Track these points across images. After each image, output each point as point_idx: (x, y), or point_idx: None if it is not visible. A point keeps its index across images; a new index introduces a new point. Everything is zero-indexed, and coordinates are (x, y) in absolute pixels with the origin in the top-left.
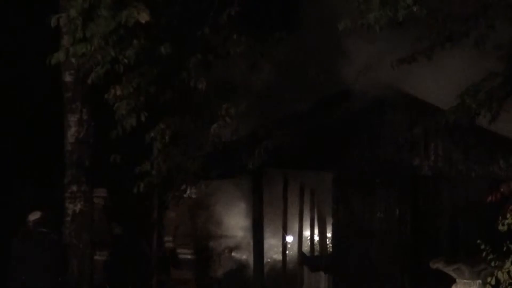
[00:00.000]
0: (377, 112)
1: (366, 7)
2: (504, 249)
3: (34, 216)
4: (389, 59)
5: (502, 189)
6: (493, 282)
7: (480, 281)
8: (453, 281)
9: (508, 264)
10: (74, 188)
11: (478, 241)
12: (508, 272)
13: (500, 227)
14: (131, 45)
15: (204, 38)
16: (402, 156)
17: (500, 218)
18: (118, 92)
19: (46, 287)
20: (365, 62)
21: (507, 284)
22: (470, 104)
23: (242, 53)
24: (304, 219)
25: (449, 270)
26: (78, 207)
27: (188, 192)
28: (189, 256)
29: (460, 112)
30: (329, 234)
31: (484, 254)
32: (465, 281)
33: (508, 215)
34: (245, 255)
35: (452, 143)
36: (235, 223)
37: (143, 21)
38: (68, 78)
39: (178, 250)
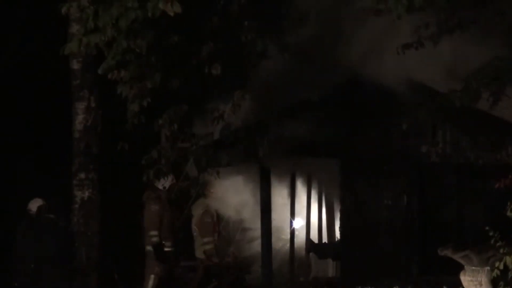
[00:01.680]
0: (384, 99)
1: None
2: None
3: (35, 203)
4: (395, 46)
5: (511, 176)
6: (501, 267)
7: (488, 268)
8: (461, 268)
9: None
10: (82, 175)
11: (487, 228)
12: None
13: (509, 213)
14: (144, 35)
15: (215, 26)
16: (410, 143)
17: (508, 204)
18: (122, 74)
19: (55, 274)
20: (372, 49)
21: None
22: (476, 87)
23: (252, 41)
24: (311, 206)
25: (457, 257)
26: (86, 194)
27: (166, 183)
28: (169, 249)
29: (466, 96)
30: (336, 222)
31: (492, 241)
32: (473, 268)
33: None
34: (254, 242)
35: (460, 130)
36: (244, 211)
37: (172, 14)
38: (75, 65)
39: (163, 243)
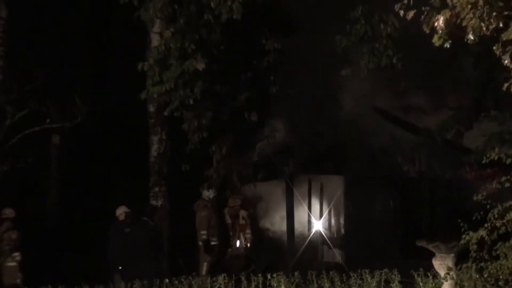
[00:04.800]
0: (374, 131)
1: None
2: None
3: (120, 210)
4: (384, 92)
5: (474, 173)
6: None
7: (453, 254)
8: (433, 254)
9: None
10: (156, 189)
11: (459, 220)
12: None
13: (475, 197)
14: (195, 85)
15: (249, 79)
16: (395, 164)
17: (475, 195)
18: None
19: (150, 262)
20: (363, 96)
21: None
22: (453, 125)
23: (277, 91)
24: (323, 210)
25: (430, 247)
26: (159, 203)
27: (210, 194)
28: (215, 243)
29: (444, 131)
30: (341, 221)
31: (462, 230)
32: (442, 255)
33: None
34: (281, 237)
35: (431, 153)
36: (274, 213)
37: (200, 69)
38: (151, 109)
39: (210, 239)
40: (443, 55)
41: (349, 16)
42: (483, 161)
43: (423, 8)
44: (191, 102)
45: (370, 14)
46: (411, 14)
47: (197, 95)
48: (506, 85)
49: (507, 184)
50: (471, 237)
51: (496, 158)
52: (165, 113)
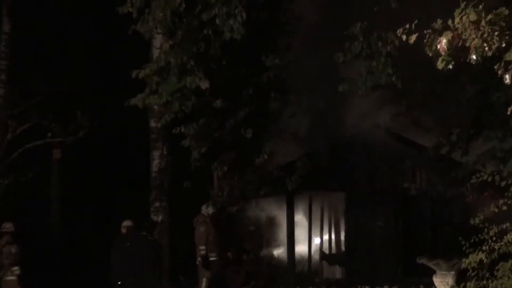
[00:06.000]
0: (376, 148)
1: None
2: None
3: (127, 223)
4: (386, 109)
5: (471, 197)
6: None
7: (453, 272)
8: (434, 272)
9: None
10: (157, 204)
11: (459, 238)
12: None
13: (472, 221)
14: (190, 99)
15: (250, 96)
16: (396, 181)
17: (472, 219)
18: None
19: (149, 277)
20: (365, 113)
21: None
22: (444, 144)
23: (277, 107)
24: (324, 226)
25: (430, 264)
26: (160, 218)
27: (209, 210)
28: (214, 258)
29: (438, 149)
30: (342, 238)
31: (464, 248)
32: (442, 272)
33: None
34: (282, 253)
35: (432, 171)
36: (275, 229)
37: (204, 88)
38: (153, 124)
39: (209, 254)
40: (444, 74)
41: (348, 33)
42: (472, 180)
43: (425, 32)
44: (182, 115)
45: (369, 32)
46: (413, 38)
47: (188, 108)
48: (510, 109)
49: (504, 207)
50: (470, 261)
51: (489, 179)
52: (158, 125)
